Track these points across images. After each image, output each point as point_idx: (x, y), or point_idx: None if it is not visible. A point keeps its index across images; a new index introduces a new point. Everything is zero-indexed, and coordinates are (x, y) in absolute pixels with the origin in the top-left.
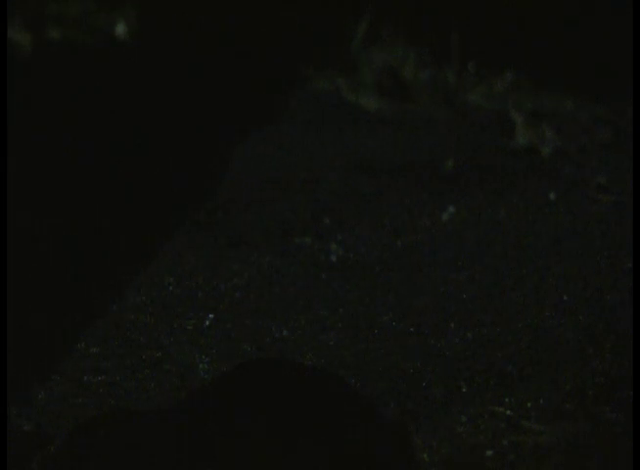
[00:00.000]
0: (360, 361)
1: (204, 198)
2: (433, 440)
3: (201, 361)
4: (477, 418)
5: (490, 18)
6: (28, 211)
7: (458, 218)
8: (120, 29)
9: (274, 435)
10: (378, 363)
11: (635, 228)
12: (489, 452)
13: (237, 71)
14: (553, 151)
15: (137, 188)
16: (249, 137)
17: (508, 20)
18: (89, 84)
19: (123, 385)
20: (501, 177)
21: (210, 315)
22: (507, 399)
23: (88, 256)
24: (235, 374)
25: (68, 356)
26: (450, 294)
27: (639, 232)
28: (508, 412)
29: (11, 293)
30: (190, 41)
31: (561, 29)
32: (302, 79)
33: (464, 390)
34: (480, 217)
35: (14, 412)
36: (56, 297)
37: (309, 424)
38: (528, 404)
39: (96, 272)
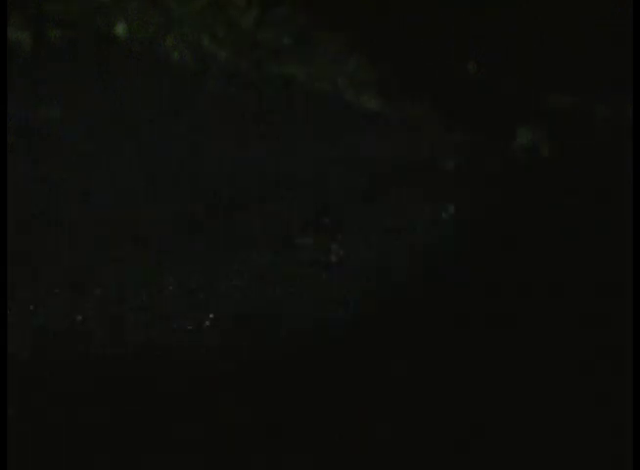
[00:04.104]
0: (360, 361)
1: (203, 198)
2: None
3: (201, 361)
4: None
5: (490, 18)
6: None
7: (458, 218)
8: (120, 29)
9: (274, 434)
10: (378, 363)
11: (635, 228)
12: None
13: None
14: (552, 151)
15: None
16: (248, 137)
17: (508, 20)
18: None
19: (123, 385)
20: (501, 177)
21: (210, 315)
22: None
23: (87, 255)
24: (235, 374)
25: (67, 356)
26: (450, 294)
27: (639, 232)
28: None
29: (11, 292)
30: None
31: (561, 30)
32: (302, 80)
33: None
34: (479, 217)
35: (14, 412)
36: (56, 297)
37: (310, 424)
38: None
39: (96, 272)
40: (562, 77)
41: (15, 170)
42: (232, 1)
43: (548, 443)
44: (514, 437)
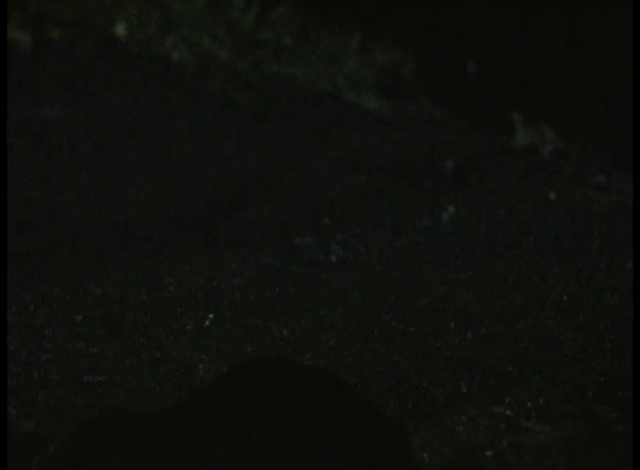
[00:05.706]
0: (360, 361)
1: (203, 198)
2: (433, 440)
3: (201, 361)
4: (477, 418)
5: (490, 18)
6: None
7: (458, 218)
8: (120, 29)
9: (274, 435)
10: (378, 363)
11: (635, 228)
12: (489, 453)
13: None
14: (553, 151)
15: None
16: (249, 137)
17: (508, 20)
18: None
19: (123, 385)
20: (501, 177)
21: (210, 315)
22: (507, 399)
23: (87, 255)
24: (235, 374)
25: (67, 356)
26: (450, 294)
27: (639, 232)
28: (508, 412)
29: (11, 292)
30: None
31: (561, 29)
32: (302, 80)
33: (464, 390)
34: (480, 217)
35: (14, 412)
36: (56, 296)
37: (309, 424)
38: (528, 404)
39: (96, 272)
40: (562, 77)
41: (15, 170)
42: (232, 1)
43: None
44: None
